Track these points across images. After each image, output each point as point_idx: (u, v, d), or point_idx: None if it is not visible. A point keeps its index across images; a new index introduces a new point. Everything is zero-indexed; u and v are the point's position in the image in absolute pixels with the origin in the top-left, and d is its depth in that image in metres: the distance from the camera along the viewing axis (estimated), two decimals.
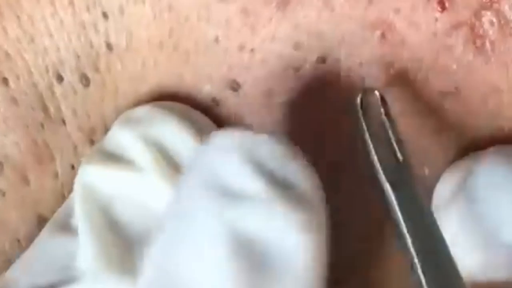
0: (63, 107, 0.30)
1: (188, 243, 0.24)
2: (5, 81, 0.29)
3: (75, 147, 0.30)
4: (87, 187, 0.27)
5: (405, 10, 0.28)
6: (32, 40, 0.29)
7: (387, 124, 0.28)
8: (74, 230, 0.27)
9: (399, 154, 0.27)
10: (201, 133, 0.28)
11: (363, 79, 0.29)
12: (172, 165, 0.27)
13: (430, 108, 0.29)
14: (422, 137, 0.29)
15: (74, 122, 0.30)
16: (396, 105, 0.29)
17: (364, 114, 0.28)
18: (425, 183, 0.29)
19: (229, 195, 0.24)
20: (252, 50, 0.29)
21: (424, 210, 0.26)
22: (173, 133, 0.28)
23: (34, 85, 0.29)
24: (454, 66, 0.28)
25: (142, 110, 0.29)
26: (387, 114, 0.28)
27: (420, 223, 0.26)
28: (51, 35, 0.29)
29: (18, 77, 0.29)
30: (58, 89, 0.29)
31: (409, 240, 0.25)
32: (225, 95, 0.29)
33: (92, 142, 0.30)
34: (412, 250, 0.25)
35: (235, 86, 0.29)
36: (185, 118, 0.28)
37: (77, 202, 0.27)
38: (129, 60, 0.29)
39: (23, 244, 0.30)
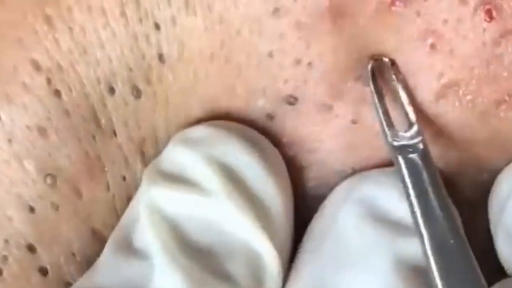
0: (114, 119, 0.29)
1: (351, 268, 0.25)
2: (58, 93, 0.29)
3: (126, 159, 0.30)
4: (154, 209, 0.27)
5: (452, 22, 0.28)
6: (84, 51, 0.29)
7: (399, 88, 0.28)
8: (140, 252, 0.27)
9: (411, 116, 0.28)
10: (262, 153, 0.28)
11: (416, 88, 0.29)
12: (238, 186, 0.28)
13: (484, 116, 0.29)
14: (477, 144, 0.29)
15: (125, 133, 0.30)
16: (450, 114, 0.29)
17: (375, 80, 0.28)
18: (484, 188, 0.29)
19: (393, 225, 0.27)
20: (309, 63, 0.29)
21: (434, 175, 0.27)
22: (237, 154, 0.28)
23: (86, 97, 0.29)
24: (505, 74, 0.28)
25: (202, 130, 0.29)
26: (398, 79, 0.28)
27: (428, 190, 0.27)
28: (103, 47, 0.29)
29: (70, 89, 0.29)
30: (109, 101, 0.29)
31: (416, 207, 0.26)
32: (280, 110, 0.29)
33: (142, 153, 0.30)
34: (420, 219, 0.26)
35: (291, 101, 0.29)
36: (246, 139, 0.28)
37: (145, 224, 0.27)
38: (181, 71, 0.29)
39: (77, 258, 0.29)
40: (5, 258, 0.29)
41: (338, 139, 0.29)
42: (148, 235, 0.27)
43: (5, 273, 0.29)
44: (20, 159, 0.28)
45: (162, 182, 0.28)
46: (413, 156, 0.27)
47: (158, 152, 0.30)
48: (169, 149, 0.29)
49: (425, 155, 0.27)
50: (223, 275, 0.27)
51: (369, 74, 0.28)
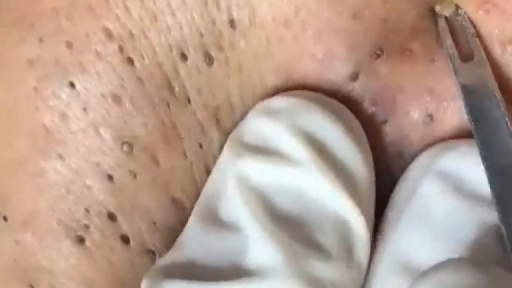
0: (188, 86, 0.29)
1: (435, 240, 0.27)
2: (130, 60, 0.29)
3: (201, 126, 0.30)
4: (243, 182, 0.27)
5: None
6: (155, 18, 0.29)
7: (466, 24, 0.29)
8: (230, 225, 0.27)
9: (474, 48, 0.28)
10: (344, 122, 0.28)
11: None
12: (324, 155, 0.27)
13: None
14: None
15: (199, 100, 0.30)
16: None
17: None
18: None
19: (479, 199, 0.27)
20: (385, 20, 0.28)
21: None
22: (320, 123, 0.28)
23: (159, 65, 0.29)
24: None
25: (283, 100, 0.28)
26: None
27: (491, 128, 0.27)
28: (173, 13, 0.29)
29: (142, 57, 0.29)
30: (182, 68, 0.29)
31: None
32: (366, 65, 0.29)
33: (217, 121, 0.30)
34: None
35: (378, 53, 0.29)
36: (327, 108, 0.28)
37: (235, 197, 0.27)
38: (253, 37, 0.29)
39: (158, 226, 0.29)
40: (86, 226, 0.29)
41: (418, 82, 0.29)
42: (239, 208, 0.27)
43: (87, 242, 0.29)
44: (96, 128, 0.29)
45: (248, 154, 0.28)
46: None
47: (233, 119, 0.30)
48: (250, 121, 0.29)
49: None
50: (314, 244, 0.27)
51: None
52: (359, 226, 0.27)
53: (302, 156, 0.27)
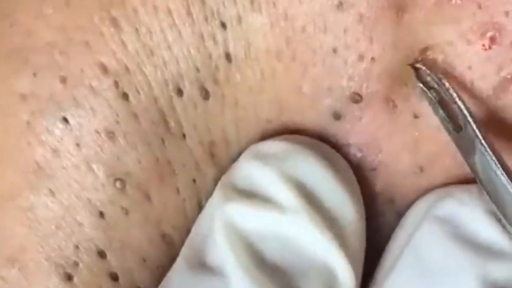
0: (183, 122, 0.29)
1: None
2: (126, 96, 0.28)
3: (196, 162, 0.29)
4: (230, 227, 0.27)
5: None
6: (151, 53, 0.28)
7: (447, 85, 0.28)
8: (215, 269, 0.27)
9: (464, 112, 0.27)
10: (336, 170, 0.28)
11: (473, 83, 0.28)
12: (314, 204, 0.27)
13: None
14: None
15: (195, 136, 0.29)
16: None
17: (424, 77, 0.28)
18: None
19: (481, 247, 0.27)
20: (372, 59, 0.28)
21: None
22: (312, 171, 0.28)
23: (155, 100, 0.29)
24: None
25: (275, 145, 0.28)
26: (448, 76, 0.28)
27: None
28: (169, 48, 0.28)
29: (138, 92, 0.28)
30: (178, 103, 0.29)
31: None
32: (347, 108, 0.29)
33: (212, 156, 0.29)
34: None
35: (357, 99, 0.29)
36: (320, 155, 0.28)
37: (221, 242, 0.27)
38: (248, 70, 0.29)
39: (148, 263, 0.29)
40: (75, 263, 0.28)
41: (404, 136, 0.29)
42: (224, 253, 0.27)
43: (75, 279, 0.28)
44: (89, 164, 0.28)
45: (237, 198, 0.27)
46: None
47: (229, 155, 0.30)
48: (242, 164, 0.28)
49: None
50: None
51: (414, 74, 0.28)
52: (346, 275, 0.27)
53: (291, 203, 0.27)
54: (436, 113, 0.28)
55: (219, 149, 0.29)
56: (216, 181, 0.29)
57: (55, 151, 0.28)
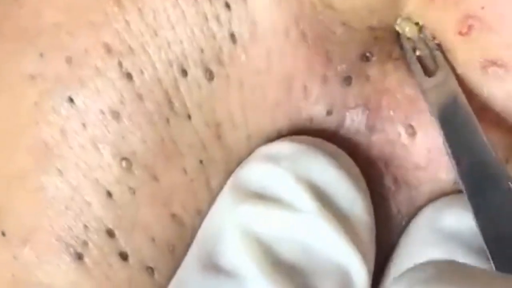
0: (188, 102, 0.29)
1: None
2: (130, 76, 0.29)
3: (202, 143, 0.30)
4: (244, 229, 0.27)
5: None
6: (155, 33, 0.29)
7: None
8: (230, 272, 0.27)
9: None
10: (346, 169, 0.28)
11: None
12: (328, 204, 0.27)
13: None
14: None
15: (200, 117, 0.29)
16: None
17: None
18: None
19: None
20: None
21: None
22: (324, 171, 0.28)
23: (159, 80, 0.29)
24: None
25: (286, 147, 0.28)
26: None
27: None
28: (173, 28, 0.29)
29: (142, 72, 0.29)
30: (182, 84, 0.29)
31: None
32: (358, 71, 0.29)
33: (219, 138, 0.30)
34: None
35: (368, 56, 0.29)
36: (330, 154, 0.28)
37: (235, 244, 0.27)
38: (254, 50, 0.29)
39: (158, 244, 0.29)
40: (85, 243, 0.29)
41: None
42: (239, 256, 0.27)
43: (86, 258, 0.29)
44: (95, 143, 0.29)
45: (250, 200, 0.27)
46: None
47: (236, 137, 0.30)
48: (252, 165, 0.29)
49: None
50: None
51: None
52: (361, 276, 0.27)
53: (305, 204, 0.27)
54: (410, 58, 0.29)
55: (226, 131, 0.30)
56: (224, 163, 0.30)
57: (62, 131, 0.29)
